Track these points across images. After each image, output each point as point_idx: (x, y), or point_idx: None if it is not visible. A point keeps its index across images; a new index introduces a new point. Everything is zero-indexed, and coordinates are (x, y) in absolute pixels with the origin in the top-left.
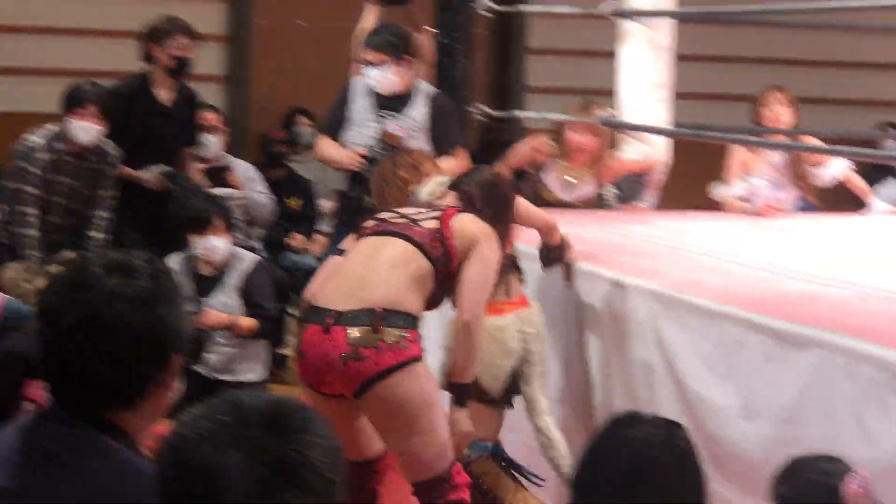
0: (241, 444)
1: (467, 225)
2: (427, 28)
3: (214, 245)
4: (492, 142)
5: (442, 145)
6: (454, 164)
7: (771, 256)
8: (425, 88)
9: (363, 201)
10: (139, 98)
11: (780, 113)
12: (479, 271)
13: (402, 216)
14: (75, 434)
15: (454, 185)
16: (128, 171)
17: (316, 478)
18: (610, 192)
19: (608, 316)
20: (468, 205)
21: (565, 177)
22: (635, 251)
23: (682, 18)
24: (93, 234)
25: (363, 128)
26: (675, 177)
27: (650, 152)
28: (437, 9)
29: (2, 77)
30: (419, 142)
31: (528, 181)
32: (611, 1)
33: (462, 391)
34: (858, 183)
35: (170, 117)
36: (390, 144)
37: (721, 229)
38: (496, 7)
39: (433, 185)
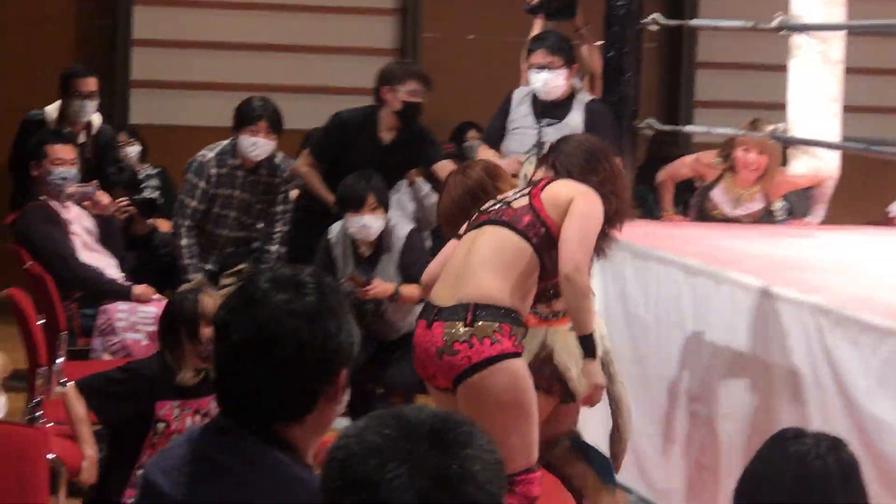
0: (405, 457)
1: (558, 189)
2: (595, 42)
3: (368, 223)
4: (660, 156)
5: None
6: None
7: None
8: (581, 96)
9: None
10: (360, 133)
11: None
12: (576, 227)
13: (500, 201)
14: (244, 447)
15: (546, 157)
16: (317, 185)
17: (479, 491)
18: (779, 206)
19: (776, 332)
20: (565, 175)
21: (732, 193)
22: (803, 266)
23: (853, 31)
24: (270, 247)
25: (524, 136)
26: (844, 191)
27: (820, 167)
28: (605, 23)
29: (175, 91)
30: None
31: (695, 195)
32: (781, 14)
33: (586, 343)
34: None
35: (385, 157)
36: None
37: (891, 245)
38: (664, 21)
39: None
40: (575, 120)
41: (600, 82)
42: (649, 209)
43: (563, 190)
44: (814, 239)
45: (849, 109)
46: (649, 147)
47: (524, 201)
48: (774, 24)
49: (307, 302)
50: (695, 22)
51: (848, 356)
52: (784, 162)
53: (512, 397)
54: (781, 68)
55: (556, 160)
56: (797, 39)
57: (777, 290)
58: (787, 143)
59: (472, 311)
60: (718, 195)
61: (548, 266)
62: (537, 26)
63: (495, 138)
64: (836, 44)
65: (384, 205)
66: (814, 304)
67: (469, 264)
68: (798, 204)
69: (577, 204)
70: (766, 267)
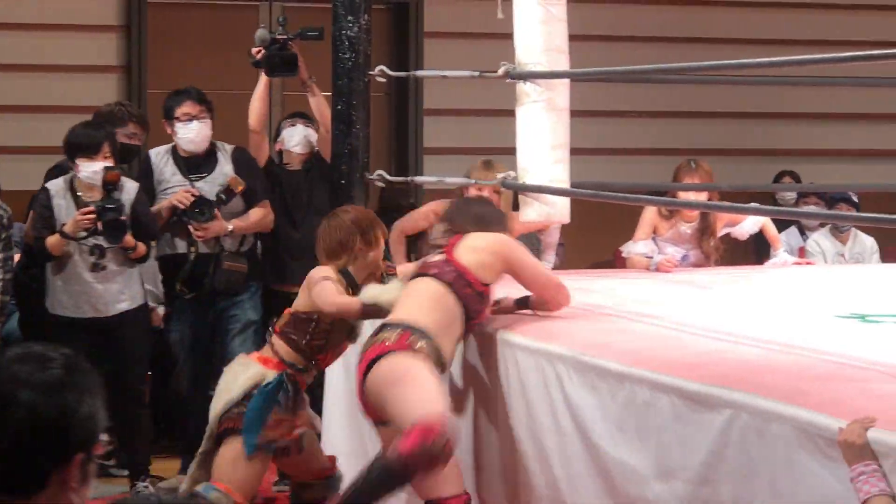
0: None
1: (472, 243)
2: (323, 94)
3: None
4: (393, 206)
5: (254, 198)
6: (263, 213)
7: (678, 314)
8: (222, 146)
9: None
10: None
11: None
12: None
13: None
14: None
15: (446, 221)
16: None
17: None
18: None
19: (516, 381)
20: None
21: None
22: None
23: (577, 78)
24: None
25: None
26: (576, 234)
27: (551, 213)
28: (333, 75)
29: None
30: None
31: (426, 243)
32: (506, 63)
33: None
34: (773, 232)
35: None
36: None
37: (626, 287)
38: (391, 73)
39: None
40: (226, 170)
41: (329, 135)
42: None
43: (479, 243)
44: None
45: (577, 152)
46: (381, 196)
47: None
48: (500, 72)
49: (49, 375)
50: (421, 73)
51: (587, 402)
52: (515, 208)
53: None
54: (510, 113)
55: (454, 223)
56: (523, 87)
57: (516, 339)
58: (518, 190)
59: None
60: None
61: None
62: (262, 80)
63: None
64: (562, 90)
65: (115, 155)
66: (552, 351)
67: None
68: (530, 249)
69: (508, 256)
70: (504, 315)
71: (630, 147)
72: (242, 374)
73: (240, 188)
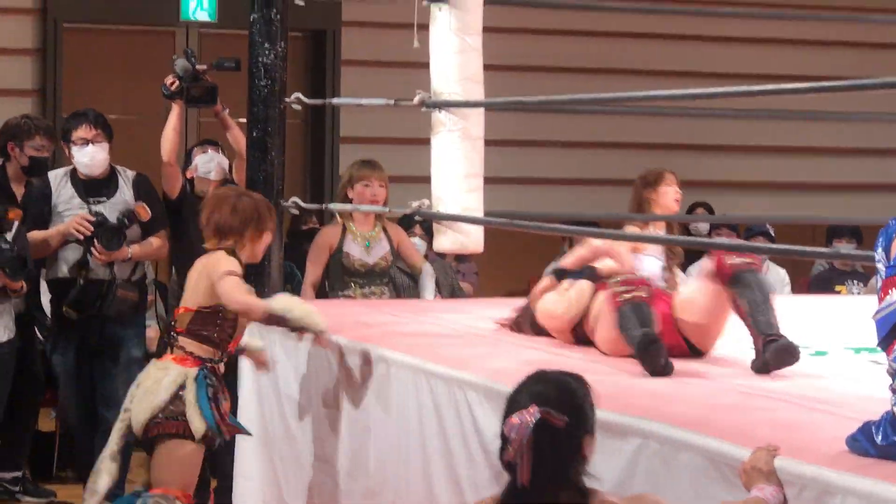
0: None
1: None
2: (237, 123)
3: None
4: (307, 231)
5: (153, 226)
6: (161, 242)
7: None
8: (122, 171)
9: None
10: None
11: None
12: None
13: None
14: None
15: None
16: None
17: None
18: (427, 276)
19: (429, 408)
20: None
21: (360, 239)
22: (453, 342)
23: (492, 108)
24: None
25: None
26: (490, 264)
27: (465, 242)
28: (248, 102)
29: None
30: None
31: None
32: (422, 92)
33: None
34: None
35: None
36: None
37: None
38: (306, 100)
39: None
40: (125, 195)
41: (244, 163)
42: (298, 285)
43: None
44: (464, 313)
45: (492, 181)
46: (292, 221)
47: None
48: (416, 101)
49: None
50: (337, 101)
51: (497, 429)
52: (430, 237)
53: None
54: (426, 142)
55: None
56: (438, 116)
57: (430, 367)
58: (432, 219)
59: None
60: (351, 246)
61: None
62: (175, 111)
63: (40, 223)
64: (477, 120)
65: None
66: (463, 378)
67: None
68: (444, 278)
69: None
70: (417, 343)
71: (544, 177)
72: (164, 377)
73: (146, 217)
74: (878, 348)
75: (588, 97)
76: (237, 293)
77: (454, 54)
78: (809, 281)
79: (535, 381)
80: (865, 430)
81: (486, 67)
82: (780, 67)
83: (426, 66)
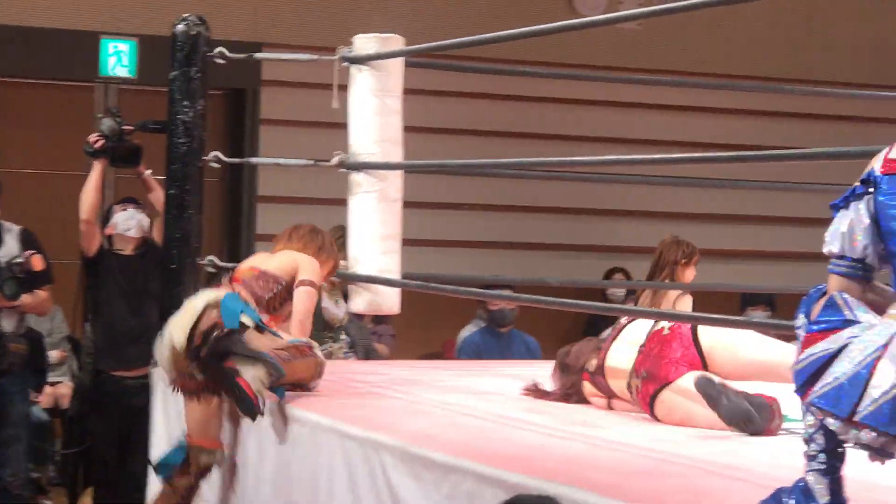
0: None
1: None
2: (157, 181)
3: None
4: None
5: (41, 280)
6: (47, 296)
7: (504, 408)
8: (9, 225)
9: None
10: None
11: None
12: None
13: None
14: None
15: None
16: None
17: None
18: (342, 341)
19: (341, 470)
20: None
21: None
22: (368, 403)
23: (411, 170)
24: None
25: None
26: (406, 326)
27: (381, 303)
28: (167, 160)
29: None
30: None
31: None
32: (341, 153)
33: None
34: None
35: None
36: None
37: (454, 379)
38: (225, 159)
39: None
40: (12, 249)
41: (162, 220)
42: None
43: None
44: (380, 374)
45: (409, 243)
46: (208, 280)
47: None
48: (334, 161)
49: None
50: (255, 160)
51: (412, 492)
52: (346, 299)
53: None
54: (343, 202)
55: None
56: (356, 177)
57: (343, 428)
58: (349, 280)
59: None
60: (326, 302)
61: None
62: (97, 169)
63: None
64: (395, 181)
65: None
66: (378, 440)
67: None
68: (360, 339)
69: None
70: (330, 405)
71: (462, 239)
72: (197, 298)
73: (39, 267)
74: (791, 417)
75: (508, 161)
76: (307, 306)
77: (373, 115)
78: None
79: None
80: (777, 497)
81: (407, 129)
82: (699, 135)
83: (345, 126)
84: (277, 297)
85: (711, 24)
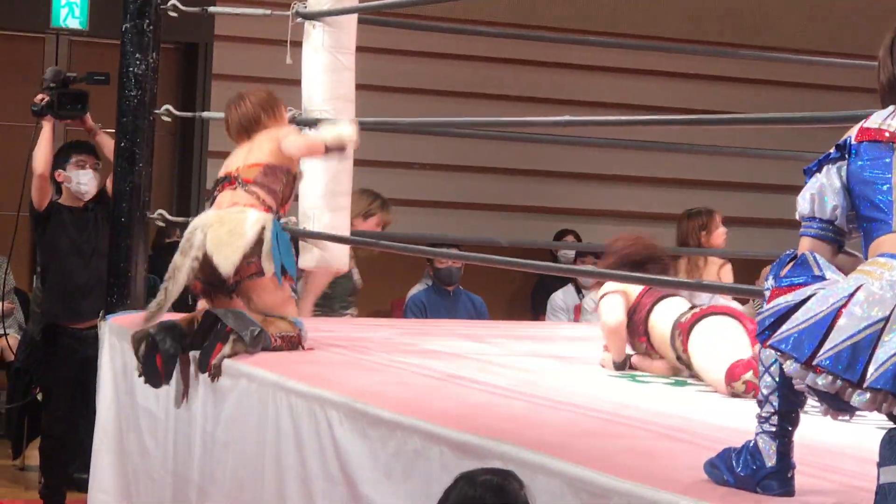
0: None
1: None
2: (107, 133)
3: None
4: (167, 244)
5: None
6: None
7: (452, 366)
8: None
9: None
10: None
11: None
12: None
13: None
14: None
15: None
16: None
17: None
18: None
19: (288, 426)
20: None
21: None
22: (316, 360)
23: (363, 128)
24: None
25: None
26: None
27: (329, 259)
28: (118, 113)
29: None
30: None
31: None
32: (293, 109)
33: None
34: None
35: None
36: None
37: (402, 337)
38: (176, 112)
39: None
40: None
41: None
42: None
43: None
44: (327, 332)
45: None
46: (157, 234)
47: None
48: (287, 118)
49: None
50: (207, 114)
51: (357, 449)
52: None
53: None
54: None
55: None
56: (308, 134)
57: (290, 384)
58: (298, 236)
59: None
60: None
61: None
62: (47, 128)
63: None
64: None
65: None
66: (324, 397)
67: None
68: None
69: None
70: (279, 361)
71: (412, 199)
72: (245, 220)
73: None
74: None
75: (461, 121)
76: (299, 139)
77: (327, 72)
78: None
79: (465, 484)
80: (725, 457)
81: (359, 87)
82: (654, 99)
83: (298, 83)
84: (288, 187)
85: None
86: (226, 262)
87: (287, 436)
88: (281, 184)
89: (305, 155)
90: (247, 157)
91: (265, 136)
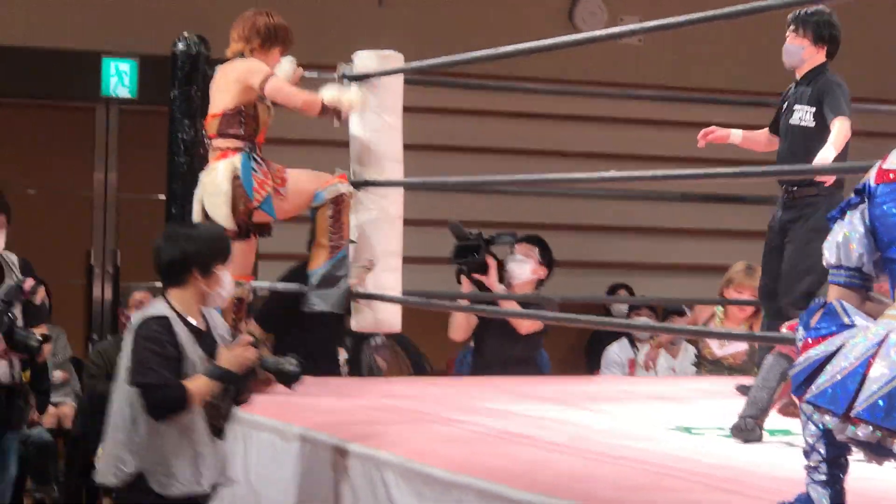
0: None
1: None
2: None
3: None
4: None
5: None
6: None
7: (504, 422)
8: (7, 256)
9: None
10: None
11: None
12: None
13: None
14: None
15: None
16: None
17: None
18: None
19: (347, 488)
20: None
21: None
22: (371, 420)
23: (411, 187)
24: None
25: None
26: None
27: (382, 320)
28: (168, 179)
29: None
30: None
31: None
32: (340, 169)
33: None
34: None
35: None
36: None
37: (453, 392)
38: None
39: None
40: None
41: None
42: None
43: None
44: (388, 394)
45: (410, 261)
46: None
47: None
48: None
49: None
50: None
51: None
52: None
53: None
54: None
55: None
56: (358, 195)
57: (346, 446)
58: (353, 299)
59: None
60: None
61: None
62: None
63: None
64: (395, 198)
65: None
66: (380, 458)
67: None
68: (364, 356)
69: None
70: (336, 421)
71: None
72: (216, 175)
73: (39, 301)
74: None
75: (509, 178)
76: (295, 91)
77: (373, 133)
78: None
79: None
80: None
81: (406, 147)
82: (701, 151)
83: (347, 144)
84: (249, 124)
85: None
86: (225, 220)
87: (345, 498)
88: (240, 126)
89: (303, 107)
90: (211, 105)
91: (234, 76)
